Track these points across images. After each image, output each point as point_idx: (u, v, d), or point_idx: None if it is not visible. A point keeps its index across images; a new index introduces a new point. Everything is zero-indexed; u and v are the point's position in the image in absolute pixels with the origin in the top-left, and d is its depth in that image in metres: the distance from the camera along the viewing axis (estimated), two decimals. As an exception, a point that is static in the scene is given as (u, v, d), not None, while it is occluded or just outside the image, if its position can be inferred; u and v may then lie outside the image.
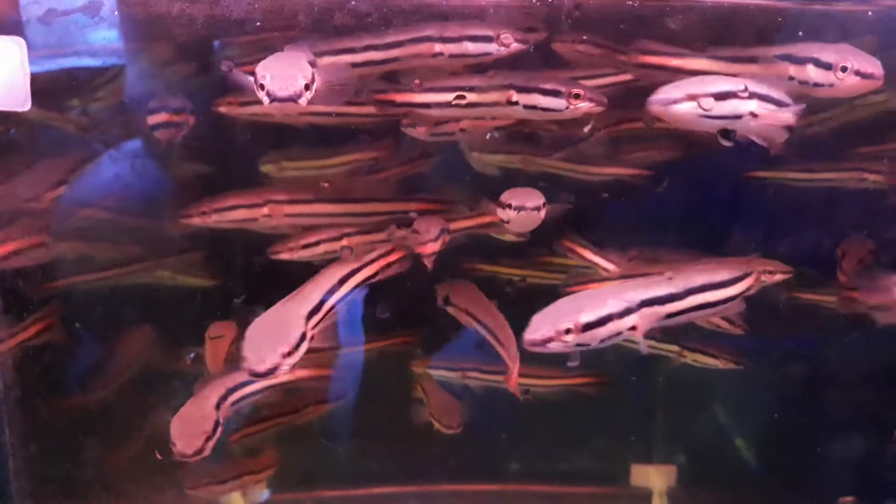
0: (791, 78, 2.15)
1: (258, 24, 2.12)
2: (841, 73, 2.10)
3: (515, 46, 2.22)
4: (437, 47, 2.23)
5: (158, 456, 2.42)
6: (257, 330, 2.15)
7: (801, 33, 2.26)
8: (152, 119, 2.48)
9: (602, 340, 2.02)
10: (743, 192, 2.85)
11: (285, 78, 1.92)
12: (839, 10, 2.31)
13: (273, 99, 1.92)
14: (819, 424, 3.12)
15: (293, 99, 1.92)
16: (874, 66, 2.10)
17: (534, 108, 2.23)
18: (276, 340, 2.09)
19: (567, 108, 2.19)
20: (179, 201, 2.63)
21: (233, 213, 2.56)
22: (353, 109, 2.46)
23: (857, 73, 2.10)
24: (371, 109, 2.37)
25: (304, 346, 2.14)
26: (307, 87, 1.94)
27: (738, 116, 2.06)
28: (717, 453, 3.29)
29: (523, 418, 3.11)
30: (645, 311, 2.08)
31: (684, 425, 3.27)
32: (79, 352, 2.87)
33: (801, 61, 2.15)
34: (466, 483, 3.21)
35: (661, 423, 3.20)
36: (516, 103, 2.23)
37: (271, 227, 2.61)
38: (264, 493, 3.03)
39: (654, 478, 3.20)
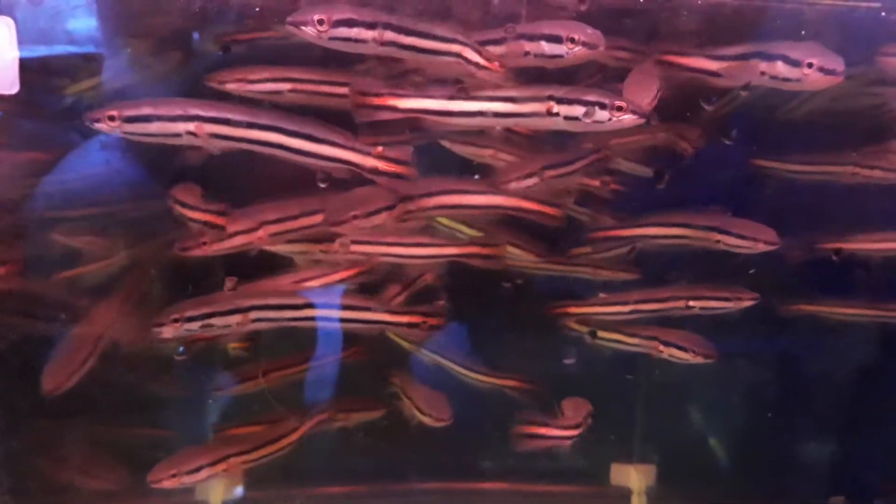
0: (763, 73, 2.33)
1: (257, 9, 2.08)
2: (807, 69, 2.27)
3: (581, 51, 2.14)
4: (527, 46, 2.15)
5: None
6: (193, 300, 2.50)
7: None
8: None
9: None
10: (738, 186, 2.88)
11: (306, 9, 1.99)
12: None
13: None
14: (797, 425, 3.16)
15: (295, 24, 1.97)
16: (837, 64, 2.28)
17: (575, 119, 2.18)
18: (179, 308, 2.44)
19: (610, 119, 2.16)
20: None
21: (232, 241, 2.46)
22: None
23: (822, 69, 2.26)
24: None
25: (207, 327, 2.44)
26: (321, 22, 1.96)
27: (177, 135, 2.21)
28: (697, 453, 3.32)
29: (503, 416, 3.10)
30: None
31: (664, 425, 3.28)
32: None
33: (771, 58, 2.31)
34: (444, 481, 3.20)
35: (641, 422, 3.22)
36: (557, 114, 2.17)
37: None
38: (238, 490, 2.98)
39: (634, 477, 3.21)
